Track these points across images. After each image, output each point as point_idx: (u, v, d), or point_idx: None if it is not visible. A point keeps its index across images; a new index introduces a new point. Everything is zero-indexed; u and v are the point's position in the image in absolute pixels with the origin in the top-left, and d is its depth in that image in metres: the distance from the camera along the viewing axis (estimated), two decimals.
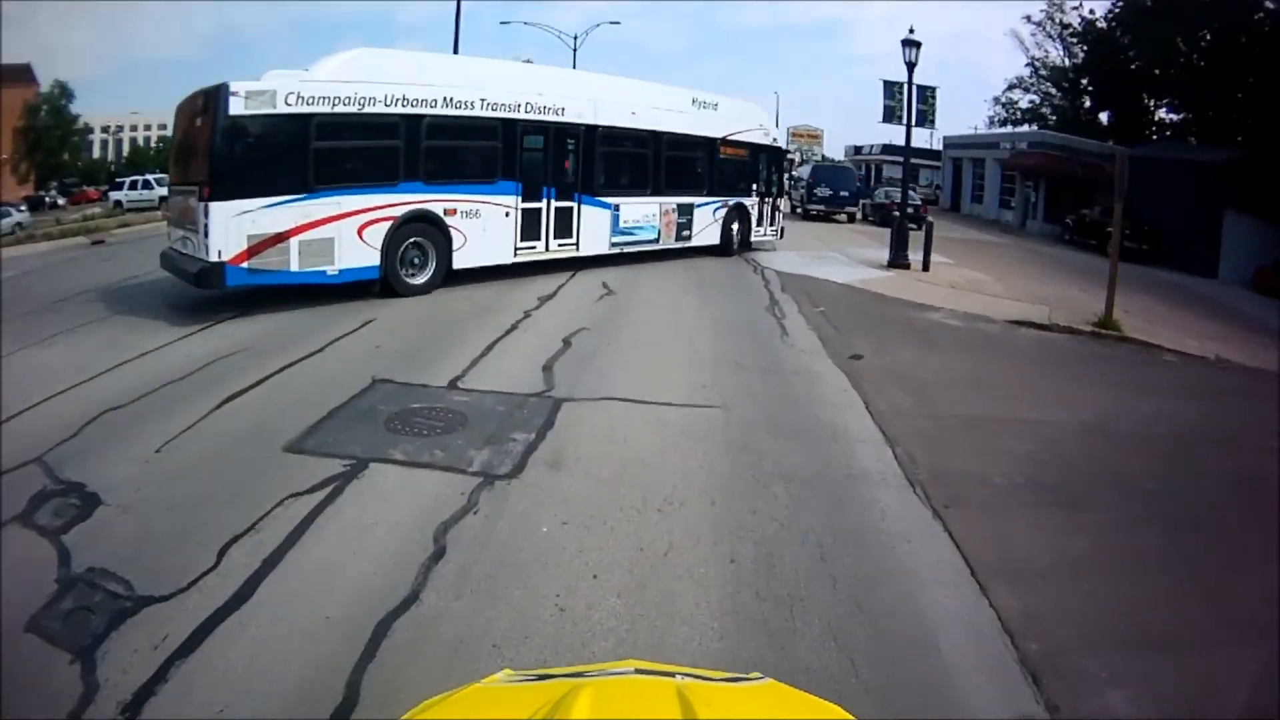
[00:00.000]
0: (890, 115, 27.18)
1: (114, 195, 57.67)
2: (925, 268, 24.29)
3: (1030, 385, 13.62)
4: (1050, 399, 12.74)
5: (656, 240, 22.58)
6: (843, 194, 42.20)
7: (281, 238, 14.74)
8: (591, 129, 20.23)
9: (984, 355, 15.58)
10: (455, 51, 33.65)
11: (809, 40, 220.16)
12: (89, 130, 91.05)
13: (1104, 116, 57.35)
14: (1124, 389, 14.09)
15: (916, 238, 24.77)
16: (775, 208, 27.39)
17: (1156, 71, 50.23)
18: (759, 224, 26.43)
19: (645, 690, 2.46)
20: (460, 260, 17.65)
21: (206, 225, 14.10)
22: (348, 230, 15.61)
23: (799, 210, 42.97)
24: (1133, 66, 51.24)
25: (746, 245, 25.90)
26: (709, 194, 24.08)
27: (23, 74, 71.17)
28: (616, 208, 21.15)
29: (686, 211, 23.35)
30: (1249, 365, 17.32)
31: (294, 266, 15.02)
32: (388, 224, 16.18)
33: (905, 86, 25.71)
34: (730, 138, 24.61)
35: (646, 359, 12.87)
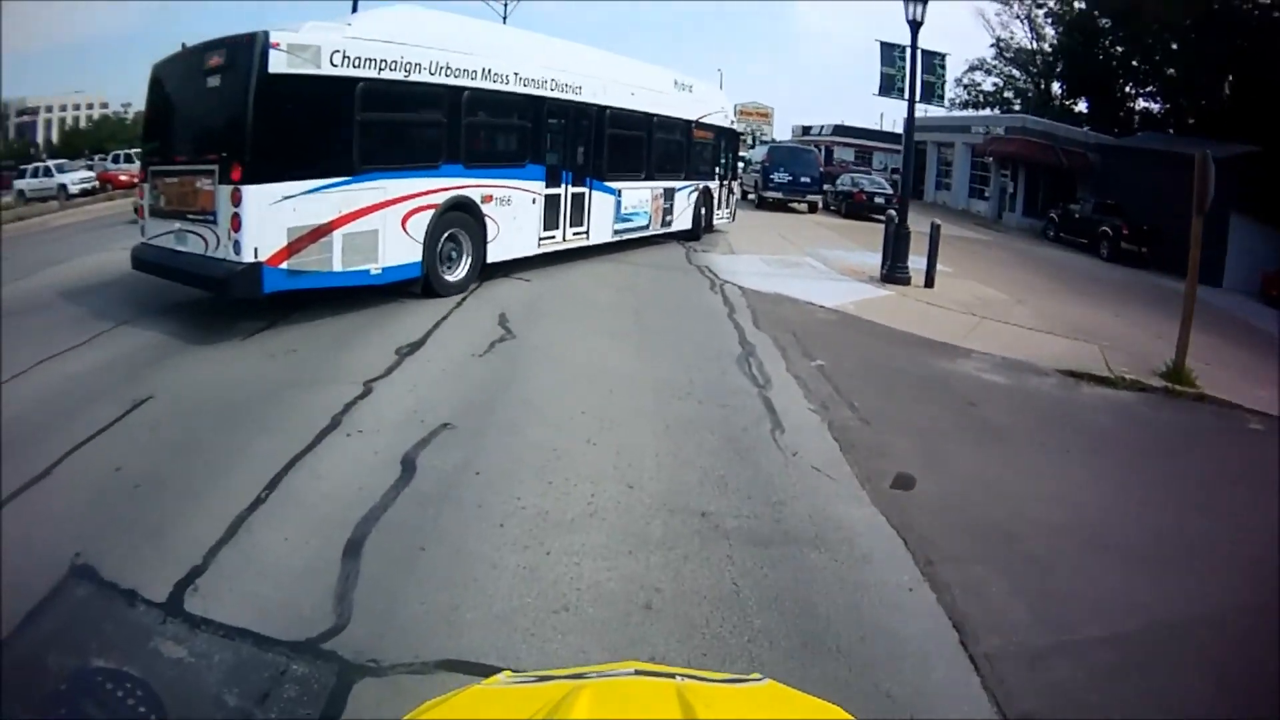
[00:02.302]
0: (889, 86, 22.00)
1: (17, 184, 50.66)
2: (929, 283, 18.95)
3: (1169, 519, 8.55)
4: (1224, 552, 7.88)
5: (647, 227, 21.59)
6: (803, 180, 36.87)
7: (324, 230, 12.31)
8: (602, 110, 18.84)
9: (1063, 447, 10.33)
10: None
11: (746, 15, 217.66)
12: (6, 114, 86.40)
13: (1082, 104, 53.54)
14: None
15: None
16: (730, 190, 27.02)
17: (1134, 62, 47.57)
18: (719, 207, 25.85)
19: (645, 691, 2.34)
20: (493, 253, 15.74)
21: (238, 215, 11.46)
22: (392, 220, 13.40)
23: (752, 197, 38.27)
24: (1112, 51, 48.43)
25: (709, 229, 24.95)
26: (685, 178, 23.28)
27: None
28: (619, 193, 19.88)
29: (670, 196, 22.46)
30: None
31: (337, 266, 12.61)
32: (430, 213, 14.05)
33: (907, 52, 20.18)
34: (702, 120, 23.89)
35: (540, 517, 7.07)
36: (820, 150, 51.43)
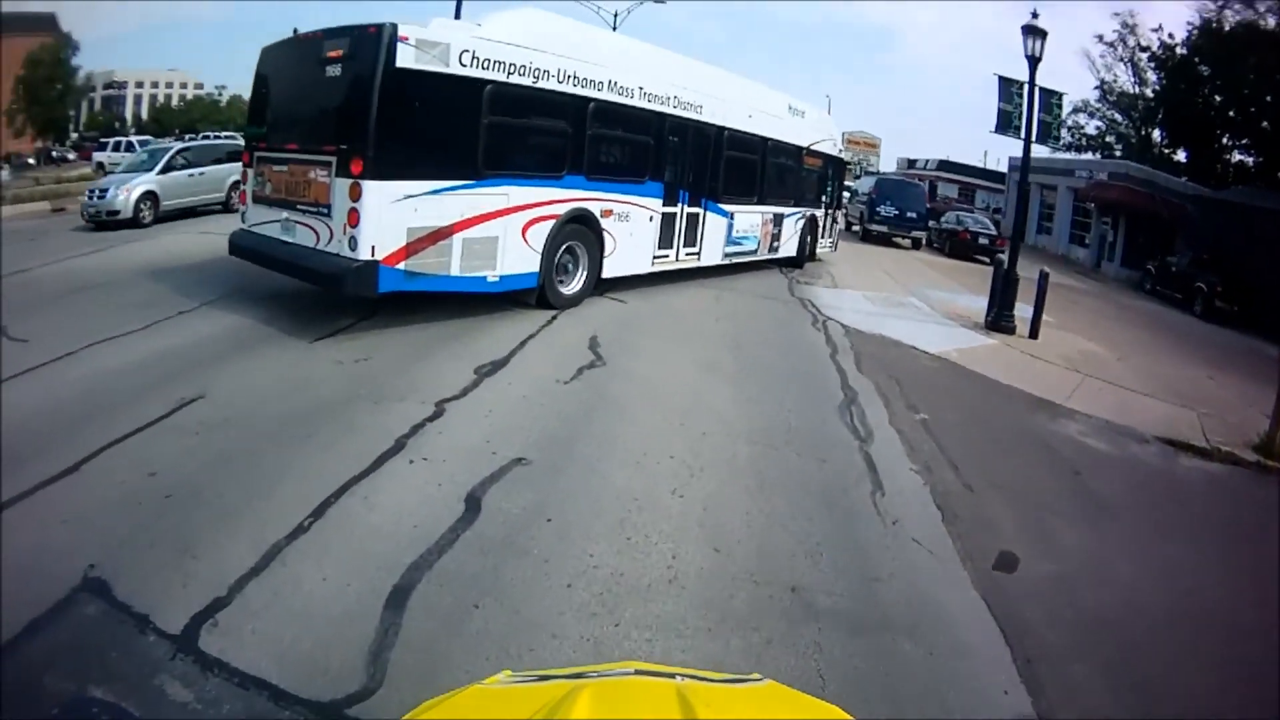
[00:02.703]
0: (1006, 123, 20.69)
1: (96, 156, 50.80)
2: (1034, 334, 17.61)
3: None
4: None
5: (756, 251, 20.48)
6: (910, 215, 35.12)
7: (444, 233, 11.67)
8: (720, 131, 17.79)
9: (1165, 526, 9.34)
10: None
11: (853, 43, 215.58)
12: (91, 86, 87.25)
13: (1181, 154, 50.16)
14: None
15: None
16: (834, 219, 25.90)
17: (1231, 113, 44.37)
18: (823, 235, 24.68)
19: (645, 691, 2.36)
20: (608, 269, 15.03)
21: (356, 210, 10.79)
22: (513, 228, 12.77)
23: (855, 228, 36.82)
24: (1211, 100, 45.32)
25: (811, 257, 23.78)
26: (794, 204, 22.17)
27: (43, 23, 66.49)
28: (732, 216, 18.82)
29: (779, 222, 21.37)
30: None
31: (454, 270, 11.97)
32: (551, 223, 13.42)
33: (1026, 88, 18.95)
34: (812, 147, 22.67)
35: (613, 579, 6.04)
36: (924, 185, 49.85)
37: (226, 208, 24.19)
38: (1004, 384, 13.80)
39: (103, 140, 52.27)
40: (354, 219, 10.77)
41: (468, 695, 2.41)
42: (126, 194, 22.08)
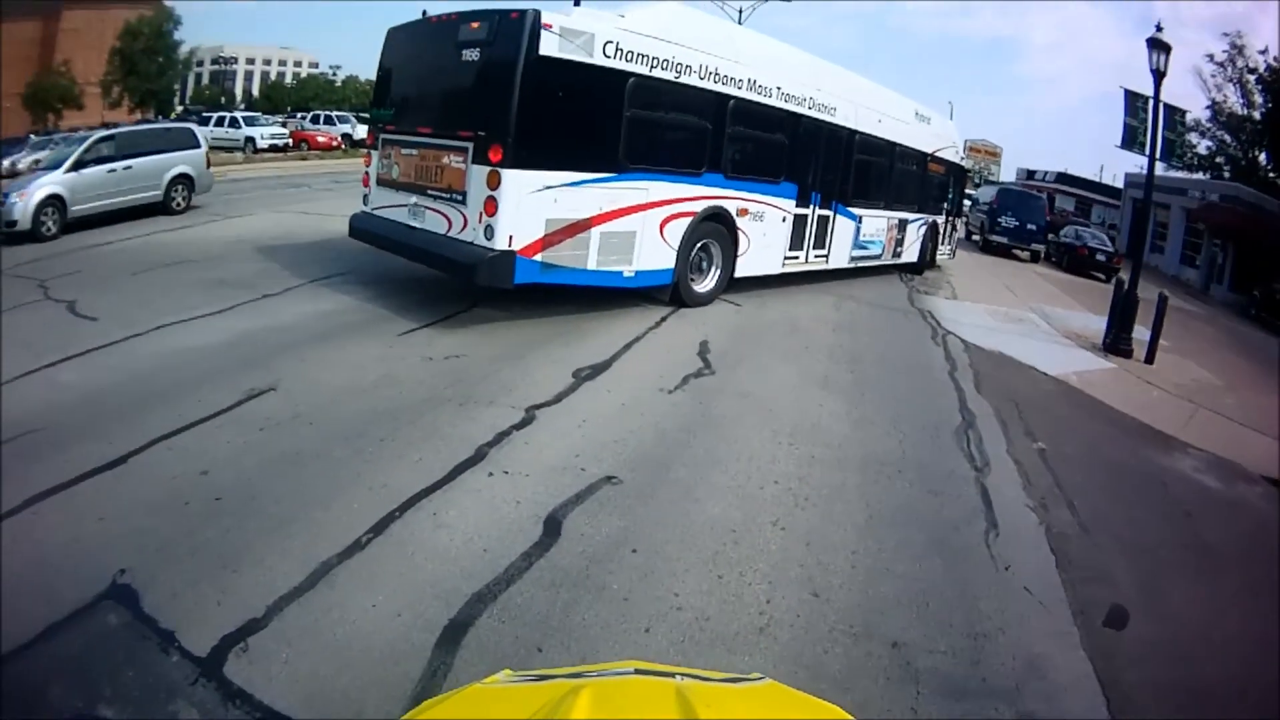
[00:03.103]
0: (1132, 138, 19.75)
1: (198, 131, 50.64)
2: (1149, 358, 16.62)
3: None
4: None
5: (880, 256, 20.05)
6: (1030, 227, 33.73)
7: (582, 226, 11.34)
8: (852, 134, 17.43)
9: (1270, 582, 8.20)
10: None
11: (976, 56, 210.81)
12: (198, 60, 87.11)
13: None
14: None
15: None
16: (954, 227, 25.21)
17: None
18: (943, 242, 24.20)
19: (645, 691, 2.31)
20: (741, 268, 14.68)
21: (494, 199, 10.43)
22: (651, 223, 12.40)
23: (976, 238, 35.73)
24: None
25: (931, 264, 23.32)
26: (918, 210, 21.59)
27: None
28: (860, 220, 18.44)
29: (903, 228, 20.88)
30: None
31: (590, 264, 11.66)
32: (688, 220, 13.03)
33: (1151, 103, 17.96)
34: (936, 154, 22.07)
35: (698, 624, 5.39)
36: (1045, 197, 48.35)
37: (167, 209, 20.04)
38: (1120, 412, 13.00)
39: (205, 115, 51.07)
40: (491, 207, 10.44)
41: (467, 695, 2.37)
42: (23, 200, 16.72)
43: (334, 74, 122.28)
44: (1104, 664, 5.94)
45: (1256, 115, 48.66)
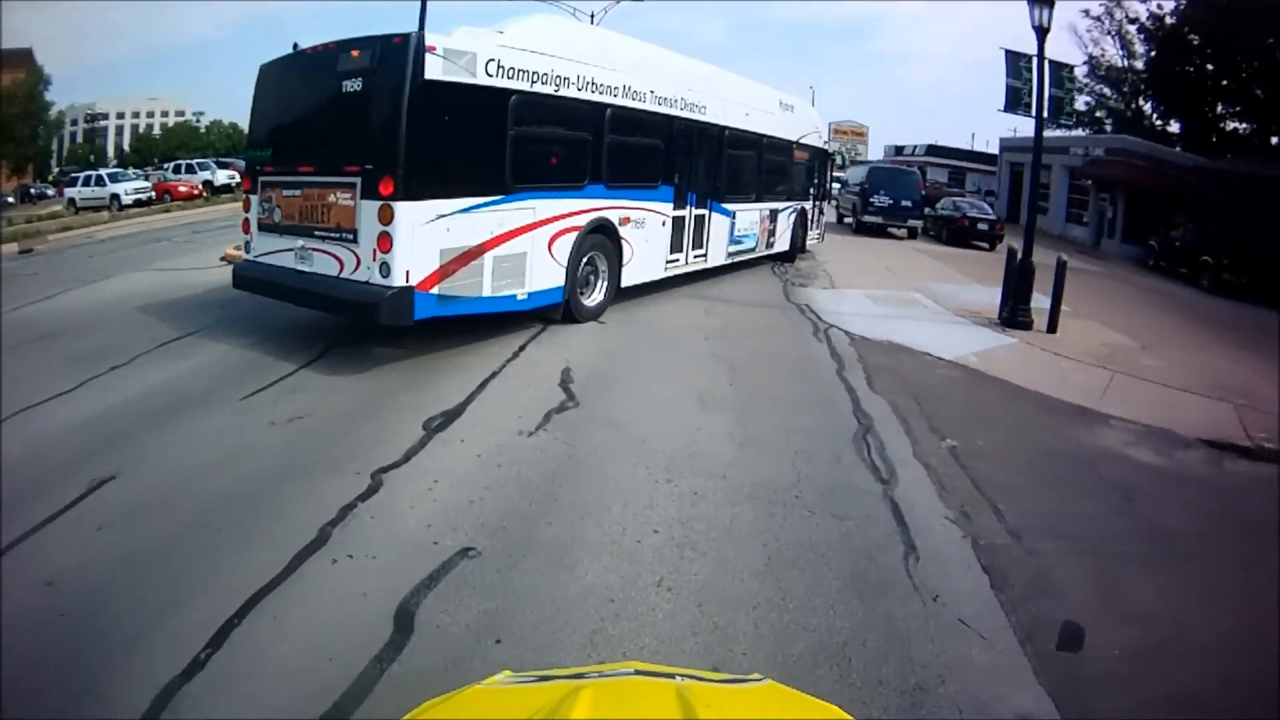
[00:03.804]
0: (1016, 100, 19.56)
1: (68, 192, 49.79)
2: (1052, 327, 16.23)
3: None
4: None
5: (755, 249, 20.58)
6: (905, 204, 33.83)
7: (475, 253, 11.21)
8: (722, 130, 17.84)
9: (1235, 557, 7.80)
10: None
11: (838, 38, 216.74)
12: (69, 120, 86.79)
13: (1174, 125, 50.15)
14: None
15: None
16: (820, 211, 25.98)
17: (1225, 81, 44.40)
18: (812, 227, 25.00)
19: (645, 691, 2.36)
20: (626, 277, 14.80)
21: (389, 234, 10.21)
22: (540, 243, 12.43)
23: (849, 220, 35.77)
24: (1205, 69, 45.24)
25: (802, 250, 24.04)
26: (787, 199, 22.32)
27: (18, 58, 64.89)
28: (734, 215, 18.88)
29: (774, 218, 21.51)
30: None
31: (486, 291, 11.50)
32: (575, 235, 13.13)
33: (1034, 62, 17.56)
34: (801, 141, 22.90)
35: None
36: (918, 171, 48.83)
37: None
38: (1031, 390, 12.46)
39: (74, 175, 51.34)
40: (385, 244, 10.17)
41: (467, 695, 2.38)
42: None
43: (198, 120, 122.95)
44: (1068, 696, 5.19)
45: (1139, 65, 50.62)
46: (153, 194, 46.35)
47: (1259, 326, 22.07)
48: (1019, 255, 16.61)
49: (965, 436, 9.73)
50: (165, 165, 63.43)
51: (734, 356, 12.41)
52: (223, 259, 18.30)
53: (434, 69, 10.24)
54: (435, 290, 10.60)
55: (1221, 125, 46.95)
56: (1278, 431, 11.61)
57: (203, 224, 31.24)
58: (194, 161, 56.00)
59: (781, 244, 22.29)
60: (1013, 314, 16.45)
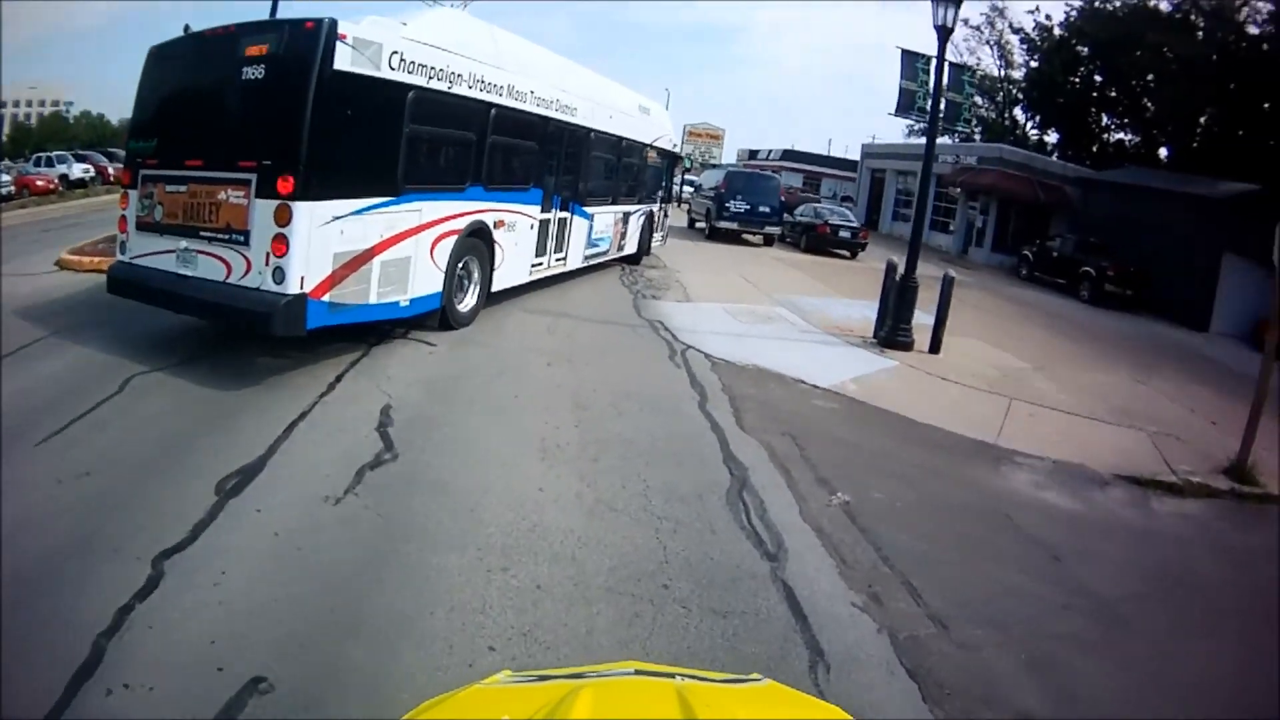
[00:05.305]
0: (909, 104, 19.12)
1: None
2: (935, 348, 15.69)
3: None
4: None
5: (608, 251, 21.15)
6: (762, 210, 33.62)
7: (365, 258, 10.97)
8: (588, 133, 18.35)
9: (1180, 620, 7.58)
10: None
11: (695, 41, 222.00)
12: None
13: (1052, 135, 53.07)
14: None
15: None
16: (666, 214, 27.03)
17: (1113, 92, 46.85)
18: (657, 230, 25.78)
19: (645, 691, 2.41)
20: (497, 281, 14.91)
21: (285, 237, 9.79)
22: (424, 247, 12.30)
23: (701, 225, 35.58)
24: (1093, 80, 47.93)
25: (648, 252, 24.75)
26: (638, 202, 23.00)
27: None
28: (593, 218, 19.36)
29: (627, 220, 22.15)
30: None
31: (372, 298, 11.29)
32: (454, 238, 13.03)
33: (933, 64, 17.05)
34: (654, 144, 23.84)
35: None
36: (779, 177, 48.88)
37: None
38: (922, 423, 11.86)
39: None
40: (280, 247, 9.83)
41: (467, 695, 2.41)
42: None
43: (66, 110, 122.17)
44: None
45: (1016, 75, 53.69)
46: (12, 190, 45.33)
47: (1149, 339, 22.92)
48: (899, 269, 15.94)
49: (857, 488, 8.83)
50: (39, 157, 61.42)
51: (580, 387, 11.34)
52: (58, 264, 16.99)
53: (343, 59, 10.00)
54: (327, 298, 10.33)
55: (1105, 136, 49.35)
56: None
57: (54, 221, 29.54)
58: (53, 155, 55.87)
59: (630, 247, 22.84)
60: (891, 333, 15.84)
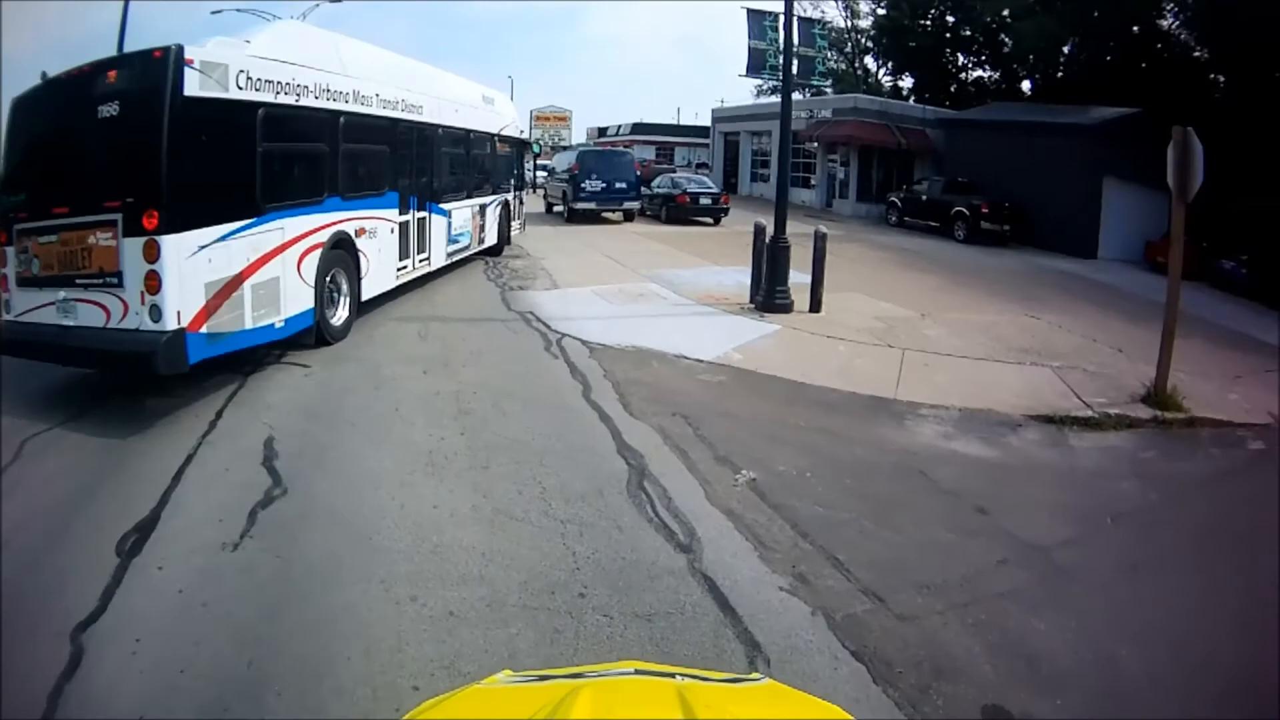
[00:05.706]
0: (759, 63, 18.82)
1: None
2: (815, 306, 15.64)
3: None
4: None
5: (469, 246, 21.14)
6: (619, 186, 33.71)
7: (235, 284, 10.72)
8: (436, 130, 18.34)
9: (1121, 557, 7.46)
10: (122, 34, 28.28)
11: (534, 31, 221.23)
12: None
13: (906, 80, 54.54)
14: None
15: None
16: (521, 201, 27.10)
17: (967, 31, 47.98)
18: (514, 218, 25.96)
19: (645, 691, 2.40)
20: (365, 290, 14.77)
21: (156, 273, 9.56)
22: (290, 265, 12.10)
23: (559, 209, 35.38)
24: (944, 22, 49.18)
25: (508, 241, 24.88)
26: (493, 193, 23.10)
27: None
28: (450, 214, 19.27)
29: (483, 213, 22.18)
30: None
31: (247, 323, 11.03)
32: (318, 253, 12.90)
33: (781, 20, 16.86)
34: (502, 133, 24.00)
35: None
36: (632, 152, 48.84)
37: None
38: (815, 385, 11.72)
39: None
40: (154, 283, 9.70)
41: (467, 695, 2.43)
42: None
43: None
44: None
45: (864, 24, 54.92)
46: None
47: (1030, 272, 23.37)
48: (768, 230, 15.82)
49: (761, 463, 8.60)
50: None
51: (459, 391, 11.05)
52: None
53: (192, 84, 9.88)
54: (204, 330, 10.20)
55: (962, 76, 50.28)
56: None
57: None
58: None
59: (491, 238, 22.96)
60: (769, 296, 15.74)
